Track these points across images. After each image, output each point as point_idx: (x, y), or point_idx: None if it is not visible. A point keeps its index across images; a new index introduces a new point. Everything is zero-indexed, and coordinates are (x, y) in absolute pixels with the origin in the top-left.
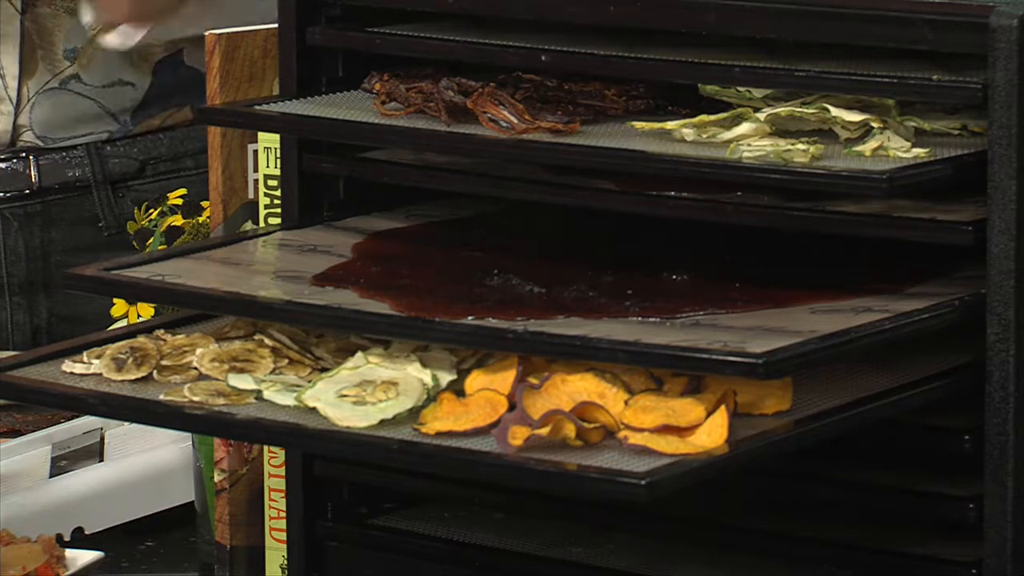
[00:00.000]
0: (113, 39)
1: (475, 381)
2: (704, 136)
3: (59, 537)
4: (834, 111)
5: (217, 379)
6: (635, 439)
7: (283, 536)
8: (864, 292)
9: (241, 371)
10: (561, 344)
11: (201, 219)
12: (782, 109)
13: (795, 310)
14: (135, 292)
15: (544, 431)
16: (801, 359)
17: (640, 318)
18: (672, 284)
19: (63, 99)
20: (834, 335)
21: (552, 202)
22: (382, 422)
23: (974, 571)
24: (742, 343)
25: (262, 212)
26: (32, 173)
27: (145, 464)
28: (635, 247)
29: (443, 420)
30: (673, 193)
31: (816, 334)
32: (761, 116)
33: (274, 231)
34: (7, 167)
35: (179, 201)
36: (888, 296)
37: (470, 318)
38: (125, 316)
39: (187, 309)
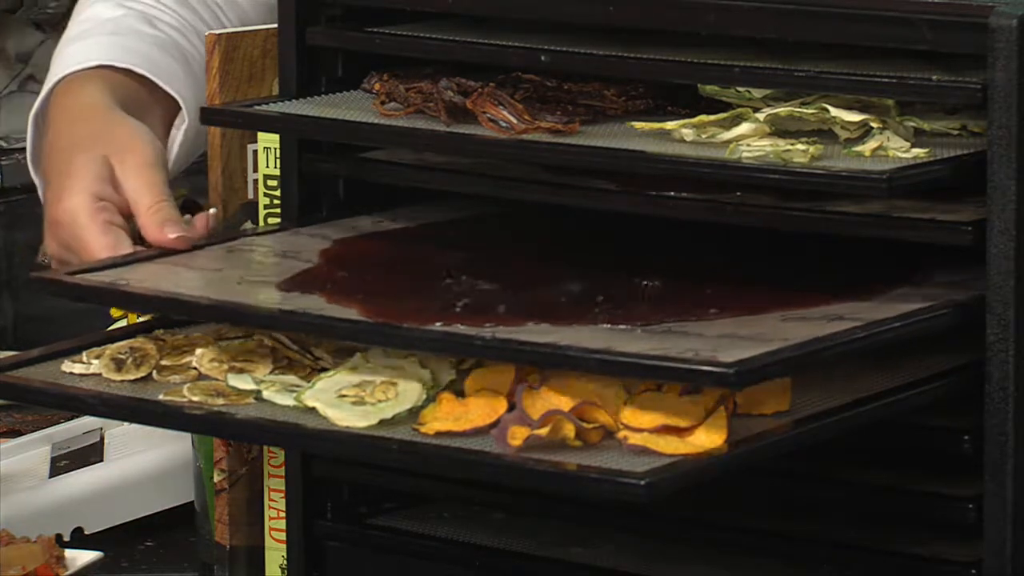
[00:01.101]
0: None
1: (474, 381)
2: (704, 136)
3: (59, 537)
4: (834, 111)
5: (217, 379)
6: (634, 439)
7: (283, 536)
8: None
9: (240, 371)
10: (530, 352)
11: None
12: (782, 109)
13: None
14: (97, 296)
15: (543, 431)
16: (779, 366)
17: (610, 325)
18: (645, 290)
19: (25, 101)
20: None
21: (551, 202)
22: (381, 422)
23: (974, 571)
24: (713, 351)
25: (262, 212)
26: None
27: (145, 464)
28: (617, 251)
29: (442, 420)
30: (672, 193)
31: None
32: (761, 116)
33: (245, 235)
34: None
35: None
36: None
37: (438, 324)
38: (124, 316)
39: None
